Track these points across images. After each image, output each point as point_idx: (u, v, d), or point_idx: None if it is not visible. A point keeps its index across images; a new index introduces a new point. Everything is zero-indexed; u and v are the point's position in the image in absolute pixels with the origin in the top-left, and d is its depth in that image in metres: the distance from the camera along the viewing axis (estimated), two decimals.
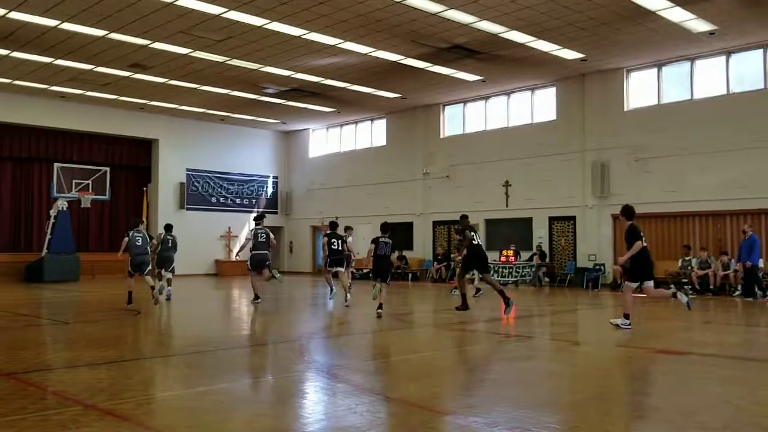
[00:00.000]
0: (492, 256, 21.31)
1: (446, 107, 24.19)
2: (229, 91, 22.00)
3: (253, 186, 28.99)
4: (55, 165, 23.11)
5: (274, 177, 29.74)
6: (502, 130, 22.47)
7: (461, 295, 12.28)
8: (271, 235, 14.18)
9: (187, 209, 26.70)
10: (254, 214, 28.55)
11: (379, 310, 11.50)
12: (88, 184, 23.47)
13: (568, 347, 8.68)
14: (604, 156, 19.75)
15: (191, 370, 6.91)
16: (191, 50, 17.51)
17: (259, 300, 14.07)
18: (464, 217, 12.92)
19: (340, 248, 14.03)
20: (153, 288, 13.65)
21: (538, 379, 6.43)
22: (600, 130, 19.93)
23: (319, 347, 8.79)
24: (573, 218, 20.58)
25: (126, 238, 13.82)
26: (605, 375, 6.79)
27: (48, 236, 22.37)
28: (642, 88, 19.36)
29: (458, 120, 23.93)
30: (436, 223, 24.11)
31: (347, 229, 15.47)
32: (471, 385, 6.36)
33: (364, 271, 20.90)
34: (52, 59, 18.33)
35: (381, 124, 26.46)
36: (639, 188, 18.94)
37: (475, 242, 12.03)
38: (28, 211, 24.56)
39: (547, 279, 20.44)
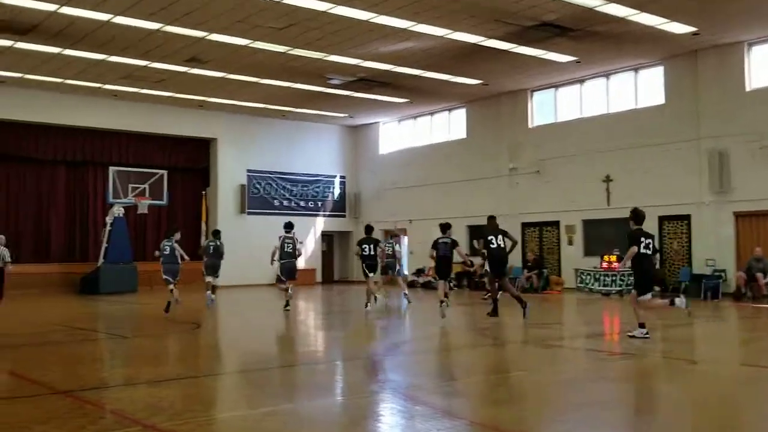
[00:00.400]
0: (591, 263, 20.89)
1: (535, 93, 23.88)
2: (291, 83, 22.46)
3: (319, 187, 29.47)
4: (110, 169, 24.16)
5: (341, 177, 30.15)
6: (600, 118, 21.98)
7: (492, 300, 13.32)
8: (298, 245, 15.76)
9: (248, 213, 27.38)
10: (320, 218, 29.32)
11: (444, 302, 12.92)
12: (145, 188, 24.43)
13: (683, 366, 8.42)
14: (722, 144, 18.99)
15: (255, 389, 7.11)
16: (250, 41, 17.99)
17: (288, 307, 15.42)
18: (491, 219, 13.83)
19: (372, 253, 15.19)
20: (171, 301, 15.10)
21: (646, 404, 6.27)
22: (717, 114, 19.19)
23: (394, 365, 8.86)
24: (687, 217, 19.89)
25: (158, 251, 15.76)
26: (727, 399, 6.55)
27: (104, 245, 23.41)
28: (766, 64, 18.53)
29: (549, 107, 23.58)
30: (525, 225, 23.80)
31: (393, 235, 17.28)
32: (565, 408, 6.26)
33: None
34: (105, 56, 19.23)
35: (460, 115, 26.37)
36: (764, 181, 18.12)
37: (493, 245, 12.97)
38: (83, 218, 25.77)
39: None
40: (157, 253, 15.92)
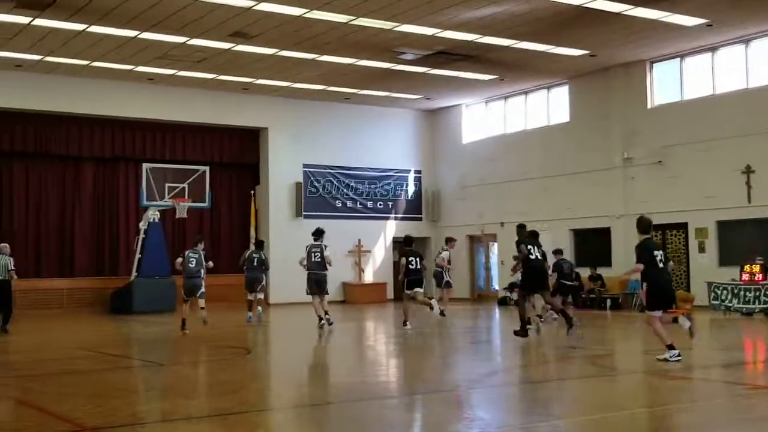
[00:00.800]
0: (728, 274, 20.28)
1: (655, 65, 23.38)
2: (355, 60, 22.60)
3: (389, 184, 29.55)
4: (144, 165, 24.67)
5: (417, 171, 30.16)
6: (739, 94, 21.36)
7: (521, 319, 13.56)
8: (326, 254, 16.78)
9: (305, 217, 27.64)
10: (391, 221, 29.37)
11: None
12: (184, 188, 24.82)
13: None
14: None
15: (313, 427, 7.15)
16: (306, 10, 18.17)
17: (323, 322, 16.41)
18: (521, 227, 14.59)
19: (418, 267, 16.37)
20: (185, 318, 16.14)
21: None
22: None
23: (484, 399, 8.80)
24: None
25: (180, 258, 16.43)
26: None
27: (137, 255, 24.02)
28: None
29: (673, 82, 23.06)
30: None
31: (449, 240, 19.09)
32: None
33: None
34: (137, 32, 19.76)
35: (561, 93, 26.03)
36: None
37: (532, 257, 13.58)
38: (112, 224, 26.46)
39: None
40: (180, 260, 16.60)
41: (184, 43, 20.59)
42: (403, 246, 17.38)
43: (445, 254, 19.68)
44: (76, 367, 11.64)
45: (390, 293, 28.58)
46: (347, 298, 27.81)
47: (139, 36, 19.93)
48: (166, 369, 11.75)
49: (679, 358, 10.62)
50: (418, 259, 16.52)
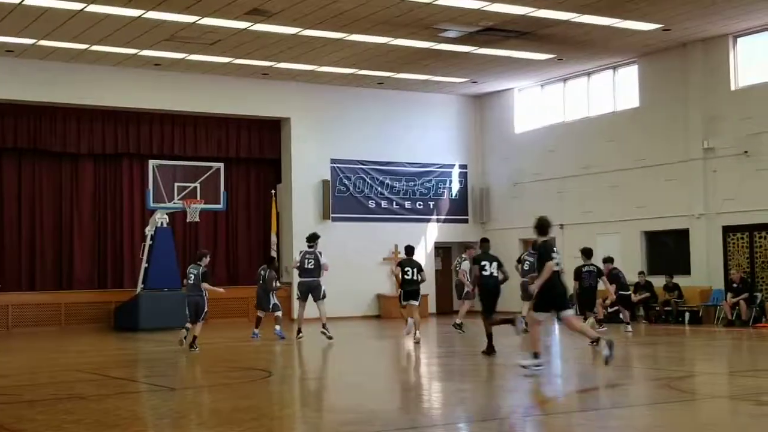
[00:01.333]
0: None
1: (739, 40, 23.13)
2: (389, 39, 22.59)
3: (430, 181, 29.48)
4: (151, 163, 24.84)
5: (462, 166, 30.07)
6: None
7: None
8: (322, 260, 18.60)
9: (334, 219, 27.70)
10: (432, 224, 29.32)
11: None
12: (196, 187, 24.99)
13: None
14: None
15: None
16: None
17: (301, 335, 18.59)
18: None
19: (415, 278, 17.55)
20: (185, 340, 17.10)
21: None
22: None
23: (542, 429, 8.75)
24: None
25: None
26: None
27: (144, 265, 24.19)
28: None
29: (761, 60, 22.80)
30: (727, 230, 23.11)
31: (467, 248, 20.07)
32: None
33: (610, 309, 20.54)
34: (141, 12, 19.92)
35: (630, 74, 25.81)
36: None
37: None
38: (116, 229, 26.63)
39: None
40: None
41: (194, 23, 20.71)
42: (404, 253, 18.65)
43: (465, 264, 19.88)
44: (76, 392, 11.72)
45: (432, 307, 28.52)
46: (382, 313, 27.78)
47: (144, 15, 20.09)
48: (178, 394, 11.82)
49: (540, 369, 12.07)
50: (415, 269, 17.65)
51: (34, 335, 21.81)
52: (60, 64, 24.12)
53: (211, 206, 24.98)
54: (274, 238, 26.73)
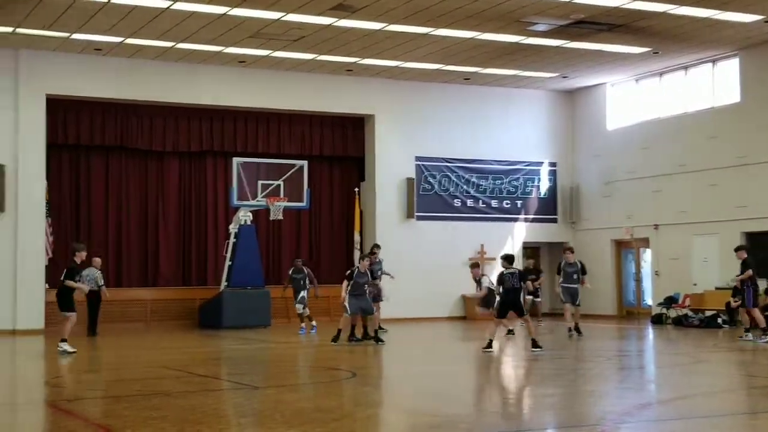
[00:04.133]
0: None
1: None
2: (477, 33, 22.55)
3: (518, 179, 29.34)
4: (235, 160, 25.18)
5: (551, 164, 29.86)
6: None
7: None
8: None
9: (418, 218, 27.74)
10: (520, 224, 29.15)
11: None
12: (279, 185, 25.28)
13: None
14: None
15: None
16: None
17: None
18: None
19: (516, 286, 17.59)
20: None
21: None
22: None
23: None
24: None
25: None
26: None
27: (227, 263, 24.61)
28: None
29: None
30: None
31: (475, 265, 19.79)
32: None
33: None
34: (227, 9, 20.26)
35: (730, 68, 25.31)
36: None
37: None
38: (200, 226, 27.13)
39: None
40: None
41: (279, 19, 20.99)
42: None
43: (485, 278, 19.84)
44: (162, 389, 12.05)
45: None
46: (468, 314, 27.75)
47: (229, 13, 20.43)
48: (261, 393, 12.04)
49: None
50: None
51: (121, 331, 22.35)
52: (146, 62, 24.65)
53: (294, 204, 25.17)
54: (357, 237, 26.89)
